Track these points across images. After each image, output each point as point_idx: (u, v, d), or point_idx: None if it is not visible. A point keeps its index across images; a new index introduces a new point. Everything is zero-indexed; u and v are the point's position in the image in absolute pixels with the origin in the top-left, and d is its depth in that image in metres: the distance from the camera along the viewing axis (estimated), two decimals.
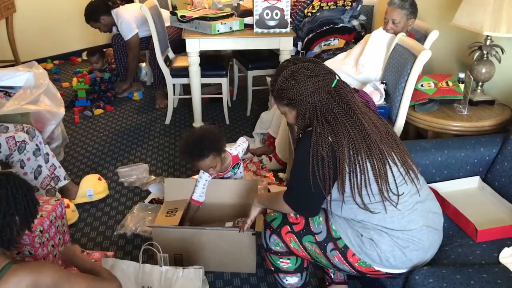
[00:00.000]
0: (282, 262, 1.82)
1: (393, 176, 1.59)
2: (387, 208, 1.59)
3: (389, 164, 1.59)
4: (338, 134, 1.55)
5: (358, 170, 1.55)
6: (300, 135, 1.67)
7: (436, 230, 1.69)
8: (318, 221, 1.71)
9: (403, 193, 1.61)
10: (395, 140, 1.65)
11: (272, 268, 1.87)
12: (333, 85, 1.61)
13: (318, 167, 1.55)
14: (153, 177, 3.06)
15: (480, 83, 2.65)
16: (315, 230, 1.70)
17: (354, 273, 1.71)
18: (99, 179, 2.91)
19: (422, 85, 2.61)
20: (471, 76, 2.54)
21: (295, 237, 1.72)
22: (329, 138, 1.55)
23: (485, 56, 2.57)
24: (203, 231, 2.16)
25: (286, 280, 1.87)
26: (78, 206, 2.77)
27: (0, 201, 1.43)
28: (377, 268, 1.65)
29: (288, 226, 1.74)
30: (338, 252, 1.66)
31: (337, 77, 1.64)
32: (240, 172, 2.47)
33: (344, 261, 1.67)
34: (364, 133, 1.57)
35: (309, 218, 1.72)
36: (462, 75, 2.59)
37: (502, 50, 2.55)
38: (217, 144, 2.22)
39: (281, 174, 3.06)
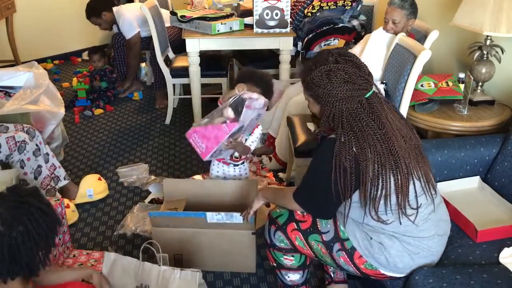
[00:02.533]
0: (286, 259, 1.81)
1: (415, 191, 1.57)
2: (401, 220, 1.57)
3: (413, 180, 1.56)
4: (363, 146, 1.51)
5: (380, 184, 1.52)
6: (321, 134, 1.64)
7: (445, 236, 1.70)
8: (326, 220, 1.69)
9: (421, 204, 1.59)
10: (421, 153, 1.62)
11: (274, 264, 1.86)
12: (366, 96, 1.55)
13: (340, 176, 1.52)
14: (153, 177, 3.06)
15: (480, 83, 2.65)
16: (322, 229, 1.69)
17: (357, 274, 1.70)
18: (99, 179, 2.91)
19: (422, 85, 2.61)
20: (471, 76, 2.54)
21: (301, 235, 1.72)
22: (354, 149, 1.52)
23: (485, 56, 2.57)
24: (202, 231, 2.15)
25: (288, 277, 1.86)
26: (78, 206, 2.76)
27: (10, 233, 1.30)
28: (383, 272, 1.64)
29: (294, 223, 1.73)
30: (344, 253, 1.66)
31: (373, 88, 1.58)
32: (245, 169, 2.45)
33: (350, 263, 1.66)
34: (391, 148, 1.52)
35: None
36: (462, 75, 2.59)
37: (502, 50, 2.55)
38: (271, 90, 2.31)
39: (281, 174, 3.06)
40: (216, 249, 2.19)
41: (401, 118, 1.65)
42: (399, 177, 1.53)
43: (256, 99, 2.10)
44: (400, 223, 1.58)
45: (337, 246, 1.66)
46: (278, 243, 1.78)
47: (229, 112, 2.07)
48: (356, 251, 1.64)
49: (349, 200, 1.57)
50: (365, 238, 1.63)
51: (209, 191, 2.38)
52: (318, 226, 1.70)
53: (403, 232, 1.60)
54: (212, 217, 2.11)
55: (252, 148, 2.32)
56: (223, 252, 2.20)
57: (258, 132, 2.36)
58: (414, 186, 1.57)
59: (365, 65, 1.61)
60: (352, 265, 1.66)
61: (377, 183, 1.52)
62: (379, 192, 1.52)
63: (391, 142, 1.53)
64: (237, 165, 2.40)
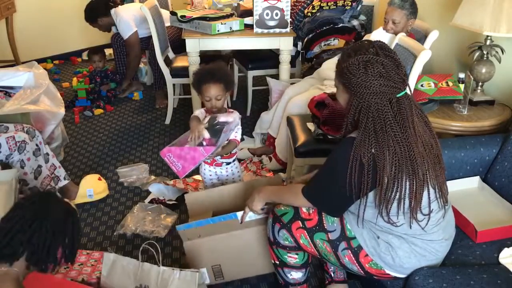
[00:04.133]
0: (290, 257, 1.81)
1: (429, 197, 1.56)
2: (411, 225, 1.57)
3: (428, 187, 1.56)
4: (382, 146, 1.49)
5: (395, 187, 1.50)
6: (347, 128, 1.60)
7: (450, 240, 1.71)
8: (332, 219, 1.68)
9: (433, 209, 1.59)
10: (440, 162, 1.61)
11: (277, 262, 1.85)
12: (398, 95, 1.51)
13: (355, 173, 1.50)
14: (153, 177, 3.06)
15: (480, 83, 2.64)
16: (328, 228, 1.68)
17: (361, 274, 1.70)
18: (99, 179, 2.91)
19: (422, 85, 2.61)
20: (471, 76, 2.54)
21: (306, 234, 1.71)
22: (372, 149, 1.50)
23: (485, 56, 2.57)
24: (235, 233, 2.04)
25: (291, 275, 1.85)
26: (78, 206, 2.76)
27: (67, 225, 1.50)
28: (387, 272, 1.64)
29: (300, 221, 1.72)
30: (350, 252, 1.65)
31: (406, 90, 1.54)
32: (236, 167, 2.44)
33: (355, 261, 1.66)
34: (410, 154, 1.50)
35: (323, 215, 1.69)
36: (462, 75, 2.59)
37: (502, 50, 2.54)
38: (232, 82, 2.30)
39: (281, 174, 3.05)
40: (253, 250, 2.08)
41: (425, 124, 1.61)
42: (414, 183, 1.51)
43: (231, 122, 2.14)
44: (410, 227, 1.58)
45: (343, 244, 1.66)
46: (282, 241, 1.77)
47: (206, 134, 2.11)
48: (363, 250, 1.64)
49: (364, 199, 1.55)
50: (372, 237, 1.62)
51: (234, 195, 2.24)
52: (324, 225, 1.69)
53: (413, 234, 1.60)
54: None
55: (238, 137, 2.29)
56: (261, 253, 2.08)
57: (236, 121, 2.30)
58: (429, 193, 1.56)
59: (403, 64, 1.56)
60: (357, 264, 1.66)
61: (392, 186, 1.50)
62: (393, 195, 1.51)
63: (410, 147, 1.50)
64: (229, 163, 2.38)
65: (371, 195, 1.55)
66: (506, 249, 1.73)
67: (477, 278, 1.55)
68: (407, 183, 1.51)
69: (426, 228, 1.59)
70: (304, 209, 1.73)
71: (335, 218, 1.68)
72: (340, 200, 1.60)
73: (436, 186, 1.59)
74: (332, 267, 2.05)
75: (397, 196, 1.51)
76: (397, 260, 1.60)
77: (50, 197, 1.54)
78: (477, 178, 2.17)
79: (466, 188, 2.14)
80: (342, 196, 1.57)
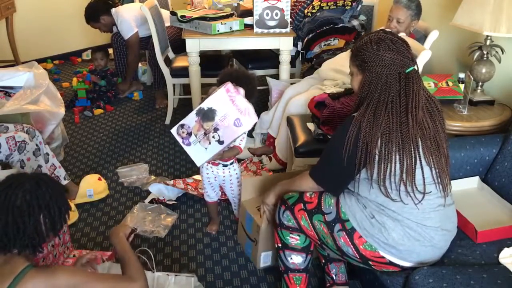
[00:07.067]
0: (292, 237, 1.88)
1: (423, 176, 1.61)
2: (406, 201, 1.61)
3: (421, 164, 1.60)
4: (376, 121, 1.58)
5: (386, 159, 1.57)
6: (356, 105, 1.69)
7: (450, 233, 1.72)
8: (329, 202, 1.77)
9: (431, 191, 1.63)
10: (438, 148, 1.64)
11: (280, 245, 1.92)
12: (406, 71, 1.60)
13: (351, 145, 1.60)
14: (153, 177, 3.06)
15: (480, 83, 2.64)
16: (325, 210, 1.77)
17: (357, 259, 1.72)
18: (99, 179, 2.91)
19: None
20: (471, 76, 2.54)
21: (306, 215, 1.80)
22: (365, 121, 1.59)
23: (485, 56, 2.57)
24: None
25: (291, 259, 1.91)
26: (78, 206, 2.77)
27: (33, 204, 1.43)
28: (382, 254, 1.67)
29: (302, 204, 1.82)
30: (344, 233, 1.71)
31: (415, 67, 1.64)
32: (235, 169, 2.40)
33: (350, 243, 1.70)
34: (403, 126, 1.57)
35: (322, 199, 1.79)
36: (462, 75, 2.59)
37: (502, 50, 2.55)
38: (255, 91, 2.30)
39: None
40: None
41: (427, 111, 1.65)
42: (404, 156, 1.58)
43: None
44: (404, 203, 1.61)
45: (338, 226, 1.72)
46: (286, 222, 1.87)
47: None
48: (356, 231, 1.69)
49: (360, 173, 1.64)
50: (365, 218, 1.67)
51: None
52: (322, 207, 1.77)
53: (408, 216, 1.63)
54: None
55: (243, 145, 2.27)
56: None
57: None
58: (422, 170, 1.60)
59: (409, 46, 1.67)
60: (352, 246, 1.70)
61: (383, 158, 1.58)
62: (383, 167, 1.58)
63: (405, 120, 1.58)
64: (226, 165, 2.35)
65: (364, 170, 1.63)
66: (506, 249, 1.73)
67: (477, 278, 1.55)
68: (397, 156, 1.58)
69: (423, 209, 1.62)
70: (307, 194, 1.83)
71: (332, 201, 1.76)
72: (338, 176, 1.71)
73: (433, 168, 1.63)
74: (333, 270, 2.07)
75: (388, 169, 1.58)
76: (390, 240, 1.63)
77: (15, 177, 1.48)
78: (477, 178, 2.17)
79: (466, 188, 2.14)
80: (340, 173, 1.69)
